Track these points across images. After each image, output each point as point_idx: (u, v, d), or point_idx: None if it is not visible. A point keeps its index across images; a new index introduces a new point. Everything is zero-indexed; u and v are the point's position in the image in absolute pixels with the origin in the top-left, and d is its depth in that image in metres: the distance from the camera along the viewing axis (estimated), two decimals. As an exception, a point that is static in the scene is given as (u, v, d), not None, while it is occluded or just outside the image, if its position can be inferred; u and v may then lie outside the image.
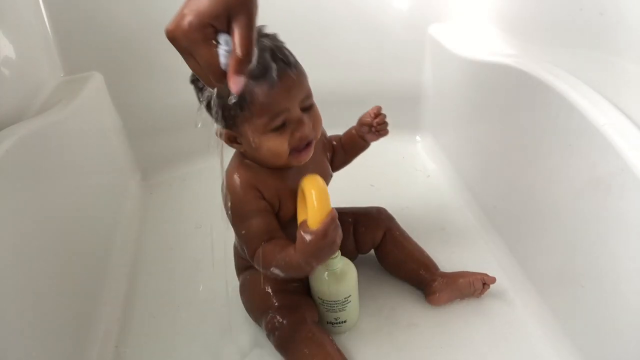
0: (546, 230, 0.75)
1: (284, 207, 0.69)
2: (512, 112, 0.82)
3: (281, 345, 0.70)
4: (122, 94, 1.14)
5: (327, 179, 0.75)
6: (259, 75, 0.58)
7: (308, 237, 0.57)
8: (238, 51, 0.45)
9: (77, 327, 0.73)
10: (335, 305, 0.73)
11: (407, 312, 0.79)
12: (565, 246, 0.70)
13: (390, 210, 0.87)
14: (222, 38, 0.46)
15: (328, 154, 0.79)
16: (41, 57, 1.02)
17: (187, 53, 0.47)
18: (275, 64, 0.58)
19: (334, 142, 0.81)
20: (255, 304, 0.76)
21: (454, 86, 1.07)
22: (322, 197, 0.59)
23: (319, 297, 0.73)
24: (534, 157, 0.76)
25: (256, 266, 0.67)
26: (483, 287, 0.78)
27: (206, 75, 0.48)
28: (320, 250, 0.58)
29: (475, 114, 0.98)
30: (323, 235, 0.57)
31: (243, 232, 0.67)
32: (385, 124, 0.77)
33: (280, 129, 0.62)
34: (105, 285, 0.86)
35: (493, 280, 0.78)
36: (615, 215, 0.58)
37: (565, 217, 0.69)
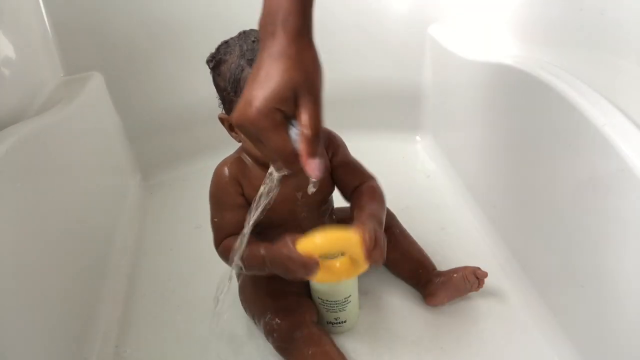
0: (546, 230, 0.75)
1: None
2: (512, 112, 0.82)
3: (280, 347, 0.70)
4: (122, 94, 1.14)
5: (322, 192, 0.73)
6: None
7: (285, 252, 0.59)
8: (306, 131, 0.43)
9: (77, 327, 0.73)
10: (336, 305, 0.73)
11: (407, 312, 0.79)
12: (565, 246, 0.70)
13: (391, 210, 0.87)
14: (294, 122, 0.44)
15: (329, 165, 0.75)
16: (41, 57, 1.02)
17: (255, 139, 0.45)
18: None
19: (362, 185, 0.74)
20: (253, 305, 0.76)
21: (454, 86, 1.07)
22: (326, 243, 0.59)
23: (318, 297, 0.73)
24: (534, 157, 0.76)
25: (220, 257, 0.70)
26: (478, 281, 0.77)
27: (277, 161, 0.46)
28: (284, 269, 0.61)
29: (475, 114, 0.98)
30: (293, 262, 0.59)
31: (215, 220, 0.70)
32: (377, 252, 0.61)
33: None
34: (105, 285, 0.86)
35: (484, 274, 0.77)
36: (615, 215, 0.58)
37: (565, 217, 0.69)
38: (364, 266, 0.62)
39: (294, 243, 0.59)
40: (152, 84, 1.17)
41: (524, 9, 0.89)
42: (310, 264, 0.58)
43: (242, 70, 0.60)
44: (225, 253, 0.69)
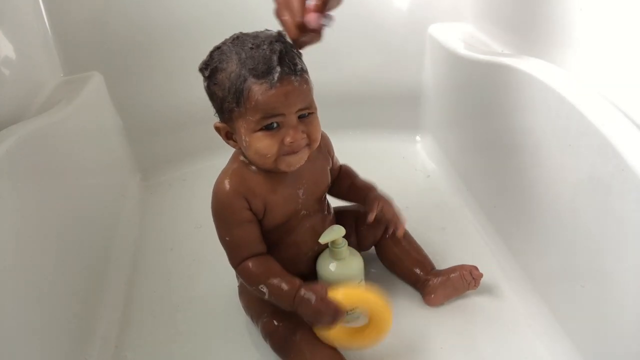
0: (546, 230, 0.75)
1: (269, 214, 0.69)
2: (512, 112, 0.82)
3: (278, 348, 0.70)
4: (122, 94, 1.14)
5: (321, 187, 0.75)
6: (261, 74, 0.59)
7: (313, 300, 0.64)
8: None
9: (77, 327, 0.73)
10: None
11: (407, 311, 0.79)
12: (565, 246, 0.70)
13: (390, 210, 0.87)
14: None
15: (329, 167, 0.78)
16: (41, 57, 1.02)
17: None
18: (280, 67, 0.59)
19: (341, 169, 0.81)
20: (252, 306, 0.76)
21: (454, 86, 1.07)
22: (356, 297, 0.66)
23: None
24: (534, 157, 0.76)
25: (239, 275, 0.70)
26: (474, 279, 0.78)
27: (291, 24, 0.57)
28: (308, 314, 0.64)
29: (475, 114, 0.98)
30: (323, 312, 0.63)
31: (227, 238, 0.68)
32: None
33: (271, 130, 0.62)
34: (105, 285, 0.86)
35: (480, 275, 0.78)
36: (615, 215, 0.58)
37: (565, 217, 0.69)
38: (380, 337, 0.68)
39: (323, 291, 0.64)
40: (152, 84, 1.17)
41: (524, 9, 0.89)
42: (340, 313, 0.62)
43: (245, 80, 0.59)
44: (249, 277, 0.68)
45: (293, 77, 0.60)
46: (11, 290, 0.58)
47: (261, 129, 0.62)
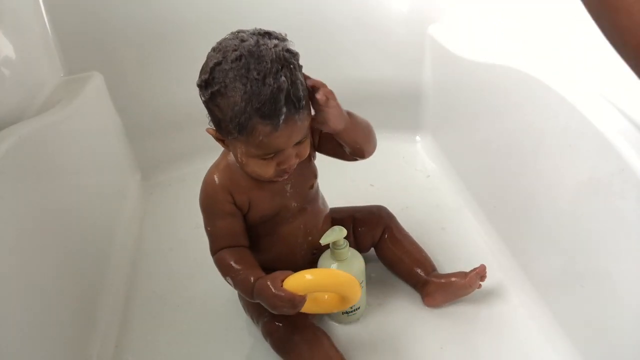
0: (546, 230, 0.75)
1: (255, 208, 0.70)
2: (512, 112, 0.82)
3: (279, 348, 0.70)
4: (122, 94, 1.14)
5: (309, 178, 0.75)
6: (267, 115, 0.56)
7: (272, 290, 0.61)
8: None
9: (77, 327, 0.74)
10: None
11: (406, 312, 0.79)
12: (565, 246, 0.70)
13: (390, 211, 0.87)
14: None
15: (313, 152, 0.75)
16: (41, 57, 1.02)
17: None
18: (286, 107, 0.57)
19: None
20: (252, 306, 0.76)
21: (454, 86, 1.07)
22: (316, 281, 0.63)
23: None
24: (534, 157, 0.76)
25: (215, 265, 0.70)
26: (481, 277, 0.77)
27: None
28: (268, 303, 0.63)
29: (475, 114, 0.98)
30: (280, 300, 0.61)
31: (209, 228, 0.70)
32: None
33: (268, 158, 0.62)
34: (105, 285, 0.86)
35: (483, 268, 0.76)
36: (615, 215, 0.58)
37: (565, 217, 0.69)
38: (351, 303, 0.68)
39: (282, 281, 0.61)
40: (152, 84, 1.17)
41: (523, 9, 0.89)
42: (297, 301, 0.61)
43: (250, 118, 0.56)
44: (220, 266, 0.69)
45: (297, 116, 0.58)
46: (11, 290, 0.58)
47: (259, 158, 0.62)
